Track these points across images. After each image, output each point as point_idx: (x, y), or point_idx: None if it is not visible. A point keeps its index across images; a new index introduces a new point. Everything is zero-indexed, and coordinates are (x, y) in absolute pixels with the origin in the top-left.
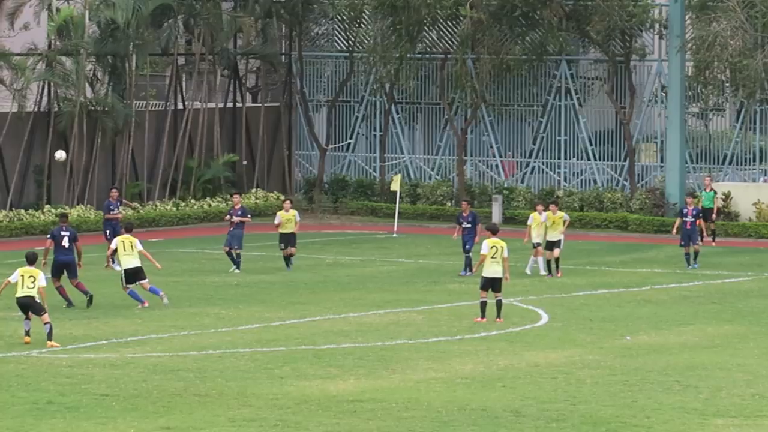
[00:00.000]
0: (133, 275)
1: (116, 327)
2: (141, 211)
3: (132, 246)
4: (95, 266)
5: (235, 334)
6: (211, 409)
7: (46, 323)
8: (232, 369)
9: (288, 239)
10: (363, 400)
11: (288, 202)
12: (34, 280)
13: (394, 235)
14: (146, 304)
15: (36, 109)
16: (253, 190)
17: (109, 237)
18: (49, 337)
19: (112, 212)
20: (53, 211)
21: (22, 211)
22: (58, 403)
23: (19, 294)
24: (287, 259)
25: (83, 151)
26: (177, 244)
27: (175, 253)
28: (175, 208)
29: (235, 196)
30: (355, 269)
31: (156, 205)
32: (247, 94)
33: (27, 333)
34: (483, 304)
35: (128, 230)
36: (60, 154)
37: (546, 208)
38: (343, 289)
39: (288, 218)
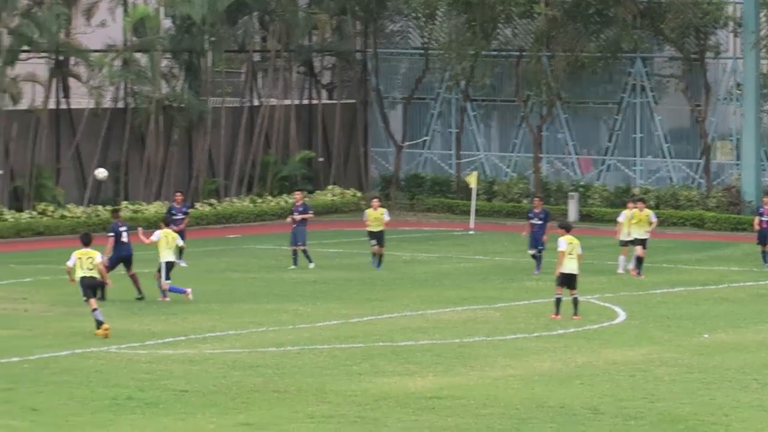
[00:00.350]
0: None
1: (195, 323)
2: (218, 207)
3: (173, 240)
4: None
5: (314, 330)
6: (290, 405)
7: (95, 310)
8: (310, 365)
9: (378, 237)
10: (441, 396)
11: (376, 200)
12: (92, 260)
13: (471, 232)
14: (189, 292)
15: (113, 106)
16: (330, 187)
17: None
18: (102, 322)
19: (174, 217)
20: (130, 207)
21: (100, 207)
22: (138, 398)
23: (81, 275)
24: (376, 257)
25: (159, 148)
26: (254, 241)
27: (253, 249)
28: (251, 205)
29: (297, 193)
30: (432, 266)
31: (233, 202)
32: (323, 90)
33: (100, 324)
34: (558, 301)
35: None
36: (101, 173)
37: (635, 206)
38: (420, 286)
39: (376, 217)
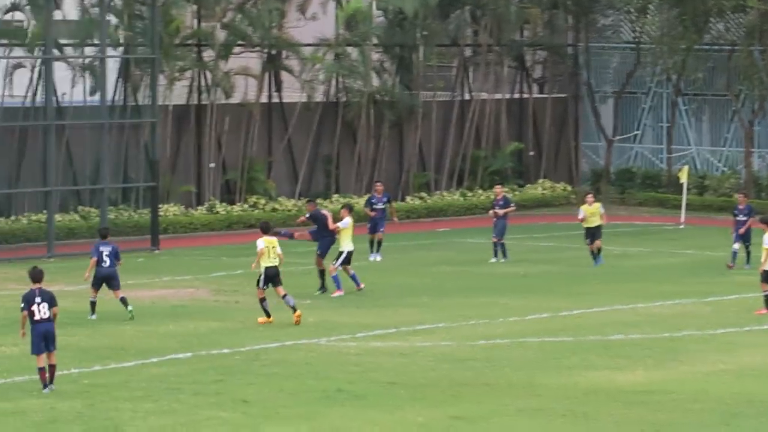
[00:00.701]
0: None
1: (404, 315)
2: (428, 201)
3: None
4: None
5: (523, 323)
6: (499, 399)
7: (285, 295)
8: (520, 359)
9: (593, 233)
10: (651, 391)
11: (590, 195)
12: (276, 249)
13: (681, 226)
14: (362, 287)
15: (324, 100)
16: (540, 181)
17: (369, 231)
18: (295, 308)
19: (374, 207)
20: (341, 200)
21: None
22: (347, 391)
23: (266, 264)
24: (594, 253)
25: (370, 142)
26: (463, 234)
27: (463, 243)
28: (461, 198)
29: (497, 187)
30: (643, 260)
31: (443, 195)
32: (534, 85)
33: (269, 316)
34: (766, 298)
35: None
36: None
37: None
38: (630, 280)
39: (592, 212)
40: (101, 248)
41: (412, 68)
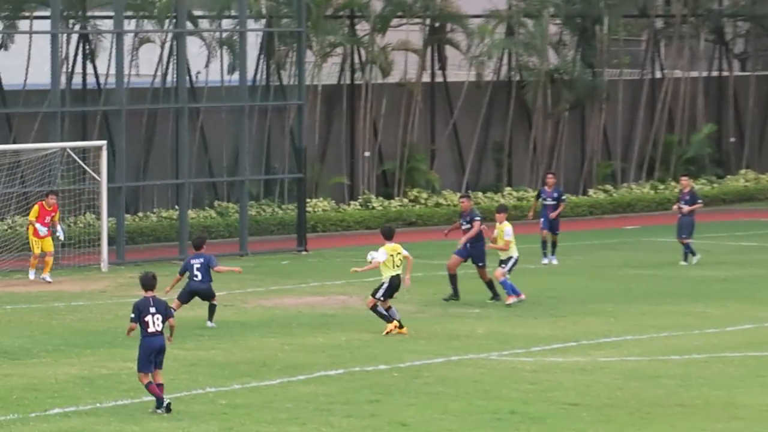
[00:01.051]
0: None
1: (586, 326)
2: (614, 194)
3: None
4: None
5: (723, 335)
6: (695, 422)
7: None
8: (719, 376)
9: None
10: None
11: None
12: (401, 255)
13: None
14: (522, 297)
15: (494, 79)
16: (742, 172)
17: (542, 227)
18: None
19: (544, 203)
20: (514, 194)
21: (480, 194)
22: (522, 412)
23: (390, 273)
24: None
25: (547, 126)
26: (655, 233)
27: (653, 242)
28: (652, 191)
29: (683, 178)
30: None
31: (631, 188)
32: (735, 61)
33: (391, 320)
34: None
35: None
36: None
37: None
38: None
39: None
40: (192, 261)
41: (595, 43)
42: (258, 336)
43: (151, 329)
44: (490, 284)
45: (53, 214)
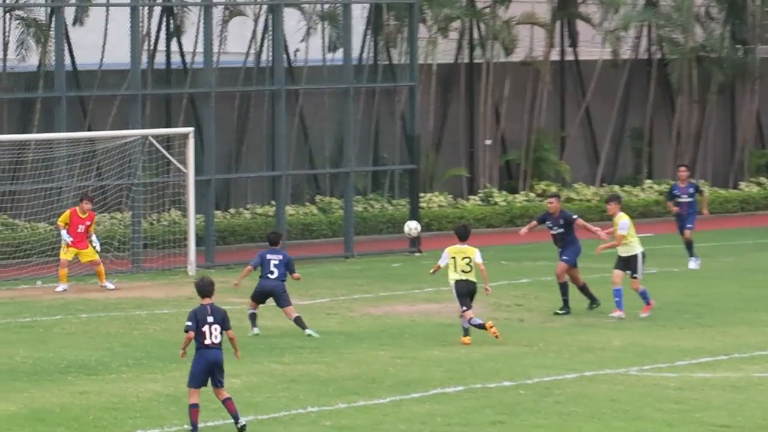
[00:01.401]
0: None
1: (738, 338)
2: None
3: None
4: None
5: None
6: None
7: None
8: None
9: None
10: None
11: None
12: (470, 259)
13: None
14: (652, 304)
15: (633, 57)
16: None
17: (679, 230)
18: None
19: (678, 200)
20: (655, 187)
21: (616, 187)
22: None
23: (456, 278)
24: None
25: (693, 111)
26: None
27: None
28: None
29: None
30: None
31: None
32: None
33: (466, 332)
34: None
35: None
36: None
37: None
38: None
39: None
40: (269, 256)
41: (747, 16)
42: (366, 348)
43: (207, 341)
44: (583, 289)
45: (88, 223)
